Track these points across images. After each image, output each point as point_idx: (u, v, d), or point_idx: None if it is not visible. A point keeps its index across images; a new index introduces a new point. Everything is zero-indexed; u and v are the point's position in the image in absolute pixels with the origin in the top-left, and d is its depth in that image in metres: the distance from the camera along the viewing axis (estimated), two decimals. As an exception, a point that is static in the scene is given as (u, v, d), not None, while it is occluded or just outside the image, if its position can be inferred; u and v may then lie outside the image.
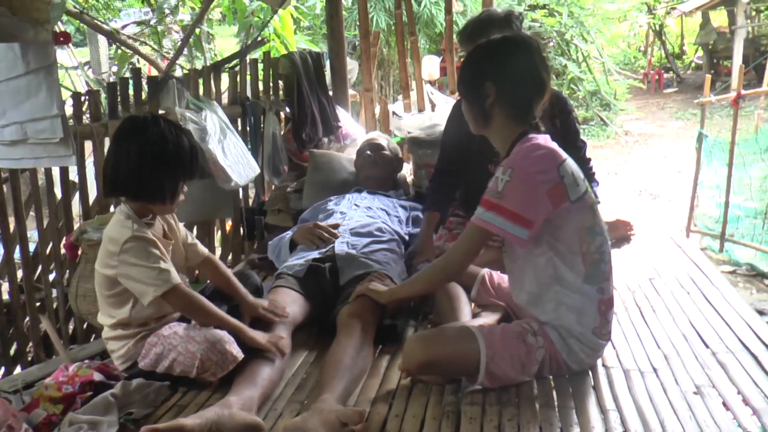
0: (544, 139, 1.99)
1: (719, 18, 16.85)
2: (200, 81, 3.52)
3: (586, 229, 1.95)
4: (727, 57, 14.29)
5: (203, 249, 2.42)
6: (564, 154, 1.98)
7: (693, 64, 17.91)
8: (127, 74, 5.79)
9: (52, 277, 3.12)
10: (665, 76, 16.23)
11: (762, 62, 10.69)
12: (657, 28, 17.38)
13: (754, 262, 5.16)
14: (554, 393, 1.95)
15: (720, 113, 9.18)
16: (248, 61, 3.96)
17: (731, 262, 5.33)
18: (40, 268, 3.08)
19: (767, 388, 1.91)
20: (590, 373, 2.04)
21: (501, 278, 2.40)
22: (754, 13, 15.79)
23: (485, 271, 2.43)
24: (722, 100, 6.16)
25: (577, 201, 1.93)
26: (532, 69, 2.00)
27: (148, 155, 2.05)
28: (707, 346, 2.18)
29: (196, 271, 3.23)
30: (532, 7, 10.77)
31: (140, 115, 2.24)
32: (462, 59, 2.19)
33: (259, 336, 2.13)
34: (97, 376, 2.00)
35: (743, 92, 5.34)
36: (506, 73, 1.99)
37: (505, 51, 2.02)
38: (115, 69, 8.06)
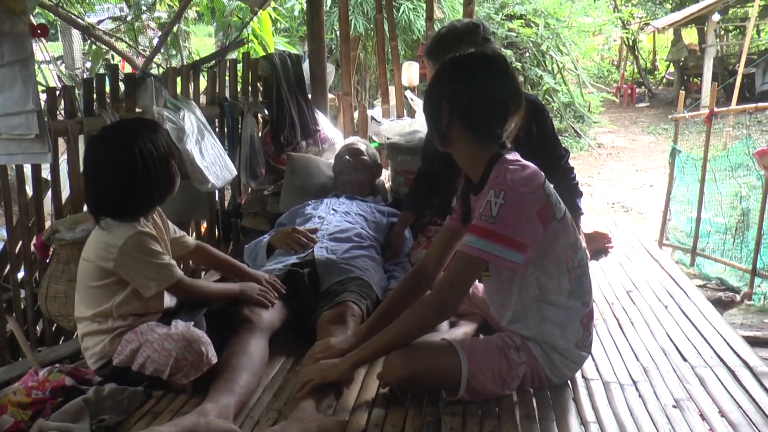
0: (519, 158, 1.93)
1: (690, 36, 17.24)
2: (178, 80, 3.46)
3: (570, 246, 1.94)
4: (697, 74, 14.59)
5: (191, 240, 2.45)
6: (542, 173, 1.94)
7: (664, 80, 18.25)
8: (102, 70, 5.68)
9: (20, 276, 3.03)
10: (637, 90, 16.51)
11: (731, 82, 10.96)
12: (630, 43, 17.68)
13: (724, 276, 5.26)
14: (535, 405, 1.94)
15: (690, 129, 9.35)
16: (227, 61, 3.91)
17: (701, 276, 5.43)
18: (8, 267, 2.99)
19: (744, 402, 1.93)
20: (570, 385, 2.04)
21: (475, 287, 2.35)
22: (723, 33, 16.16)
23: None
24: (695, 117, 6.27)
25: (562, 219, 1.92)
26: (491, 90, 1.90)
27: (146, 170, 2.03)
28: (685, 360, 2.20)
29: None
30: (510, 17, 10.87)
31: (104, 131, 2.19)
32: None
33: (253, 291, 2.36)
34: (69, 381, 1.94)
35: (716, 109, 5.44)
36: (460, 93, 1.90)
37: (461, 71, 1.94)
38: (88, 65, 7.91)
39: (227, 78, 3.82)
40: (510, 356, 1.94)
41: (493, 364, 1.92)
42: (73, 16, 6.04)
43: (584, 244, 2.08)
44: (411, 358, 1.93)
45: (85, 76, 6.68)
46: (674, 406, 1.91)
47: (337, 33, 9.21)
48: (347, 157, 3.50)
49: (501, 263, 1.83)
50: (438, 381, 1.95)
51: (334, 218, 3.03)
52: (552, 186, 1.95)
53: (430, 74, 2.73)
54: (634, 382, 2.06)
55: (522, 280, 1.94)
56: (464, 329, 2.31)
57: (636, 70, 18.28)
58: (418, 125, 4.26)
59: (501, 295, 2.03)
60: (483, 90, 1.90)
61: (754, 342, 3.15)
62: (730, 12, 15.80)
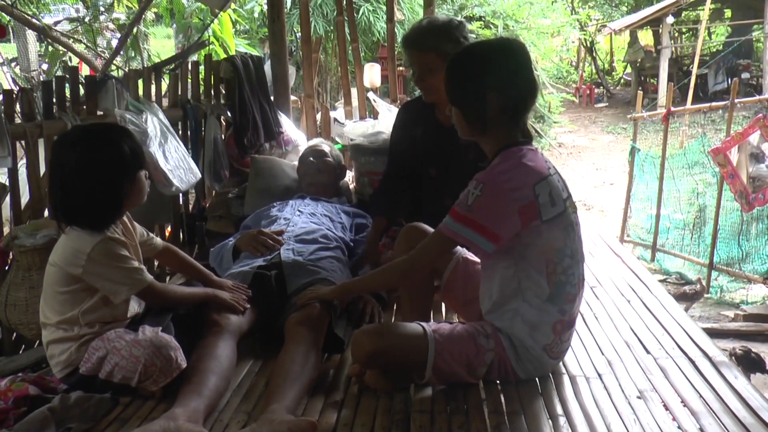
0: (529, 152, 1.95)
1: (646, 38, 17.63)
2: (140, 82, 3.41)
3: (555, 250, 1.94)
4: (653, 75, 14.95)
5: (159, 241, 2.44)
6: (546, 171, 1.94)
7: (622, 81, 18.62)
8: (60, 72, 5.57)
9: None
10: (596, 91, 16.81)
11: (686, 82, 11.25)
12: (588, 44, 18.00)
13: (683, 271, 5.40)
14: (503, 400, 1.96)
15: (648, 128, 9.57)
16: (189, 63, 3.87)
17: (662, 271, 5.56)
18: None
19: (704, 391, 1.98)
20: (537, 380, 2.06)
21: (475, 266, 2.28)
22: (677, 35, 16.57)
23: (461, 254, 2.28)
24: (653, 116, 6.42)
25: (549, 221, 1.91)
26: (530, 73, 1.98)
27: (101, 181, 2.01)
28: (648, 352, 2.25)
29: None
30: (469, 19, 10.95)
31: (65, 137, 2.17)
32: (448, 66, 2.06)
33: (225, 295, 2.34)
34: (33, 390, 1.90)
35: (673, 109, 5.57)
36: (509, 81, 1.95)
37: (504, 57, 1.97)
38: (45, 67, 7.73)
39: (189, 80, 3.79)
40: (479, 341, 1.97)
41: (460, 346, 1.96)
42: (27, 17, 5.90)
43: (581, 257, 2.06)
44: (379, 334, 2.00)
45: (41, 79, 6.53)
46: (638, 397, 1.96)
47: (297, 35, 9.19)
48: (311, 158, 3.49)
49: (470, 246, 1.93)
50: (405, 358, 1.97)
51: (299, 220, 3.02)
52: (553, 186, 1.94)
53: (418, 64, 2.75)
54: (599, 375, 2.10)
55: (504, 270, 1.98)
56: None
57: (594, 71, 18.62)
58: (381, 126, 4.27)
59: (487, 281, 2.07)
60: (523, 75, 1.97)
61: (711, 333, 3.25)
62: (683, 15, 16.20)
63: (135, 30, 5.84)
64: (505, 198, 1.88)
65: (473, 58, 2.03)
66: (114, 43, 6.92)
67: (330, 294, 2.29)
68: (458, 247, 2.25)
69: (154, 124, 3.12)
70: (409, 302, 2.33)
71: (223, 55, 5.34)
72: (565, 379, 2.08)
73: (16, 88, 3.57)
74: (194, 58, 4.63)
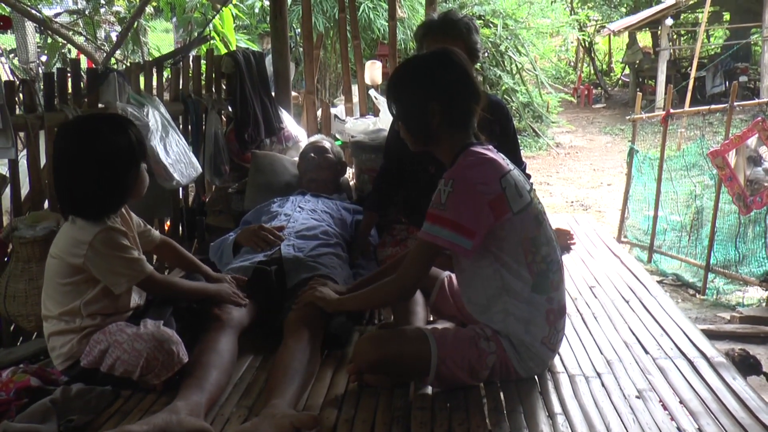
0: (488, 151, 2.00)
1: (645, 39, 17.64)
2: (141, 76, 3.41)
3: (530, 240, 1.97)
4: (651, 76, 14.97)
5: (157, 233, 2.43)
6: (508, 166, 2.00)
7: (620, 82, 18.64)
8: (59, 64, 5.55)
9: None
10: (594, 91, 16.83)
11: (684, 85, 11.28)
12: (586, 45, 18.01)
13: (680, 272, 5.42)
14: (502, 397, 1.97)
15: (646, 130, 9.61)
16: (190, 57, 3.86)
17: (658, 272, 5.58)
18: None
19: (702, 391, 1.99)
20: (537, 378, 2.07)
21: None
22: (675, 37, 16.60)
23: (446, 275, 2.40)
24: (652, 118, 6.43)
25: (520, 212, 1.95)
26: (469, 79, 2.02)
27: (107, 169, 2.01)
28: (647, 352, 2.26)
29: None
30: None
31: (72, 124, 2.17)
32: (389, 83, 2.14)
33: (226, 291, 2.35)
34: (34, 382, 1.90)
35: (672, 111, 5.59)
36: (449, 89, 1.99)
37: (441, 68, 2.01)
38: (44, 58, 7.70)
39: (190, 75, 3.78)
40: (480, 345, 1.97)
41: (462, 351, 1.96)
42: (27, 7, 5.87)
43: (557, 244, 2.10)
44: (381, 343, 2.01)
45: (40, 70, 6.52)
46: (637, 397, 1.97)
47: (297, 31, 9.18)
48: (312, 154, 3.49)
49: (451, 248, 1.93)
50: (408, 366, 1.98)
51: (300, 216, 3.02)
52: (517, 179, 1.99)
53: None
54: (599, 375, 2.11)
55: (482, 270, 1.99)
56: (440, 326, 2.33)
57: (592, 72, 18.64)
58: (382, 124, 4.27)
59: (464, 286, 2.09)
60: (463, 81, 2.00)
61: (708, 335, 3.25)
62: (682, 17, 16.23)
63: (135, 23, 5.82)
64: (474, 192, 1.91)
65: (412, 72, 2.07)
66: (113, 36, 6.91)
67: (326, 306, 2.24)
68: (443, 271, 2.37)
69: (155, 118, 3.12)
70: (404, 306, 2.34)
71: (223, 50, 5.33)
72: (564, 378, 2.09)
73: (19, 80, 3.55)
74: (194, 52, 4.62)
